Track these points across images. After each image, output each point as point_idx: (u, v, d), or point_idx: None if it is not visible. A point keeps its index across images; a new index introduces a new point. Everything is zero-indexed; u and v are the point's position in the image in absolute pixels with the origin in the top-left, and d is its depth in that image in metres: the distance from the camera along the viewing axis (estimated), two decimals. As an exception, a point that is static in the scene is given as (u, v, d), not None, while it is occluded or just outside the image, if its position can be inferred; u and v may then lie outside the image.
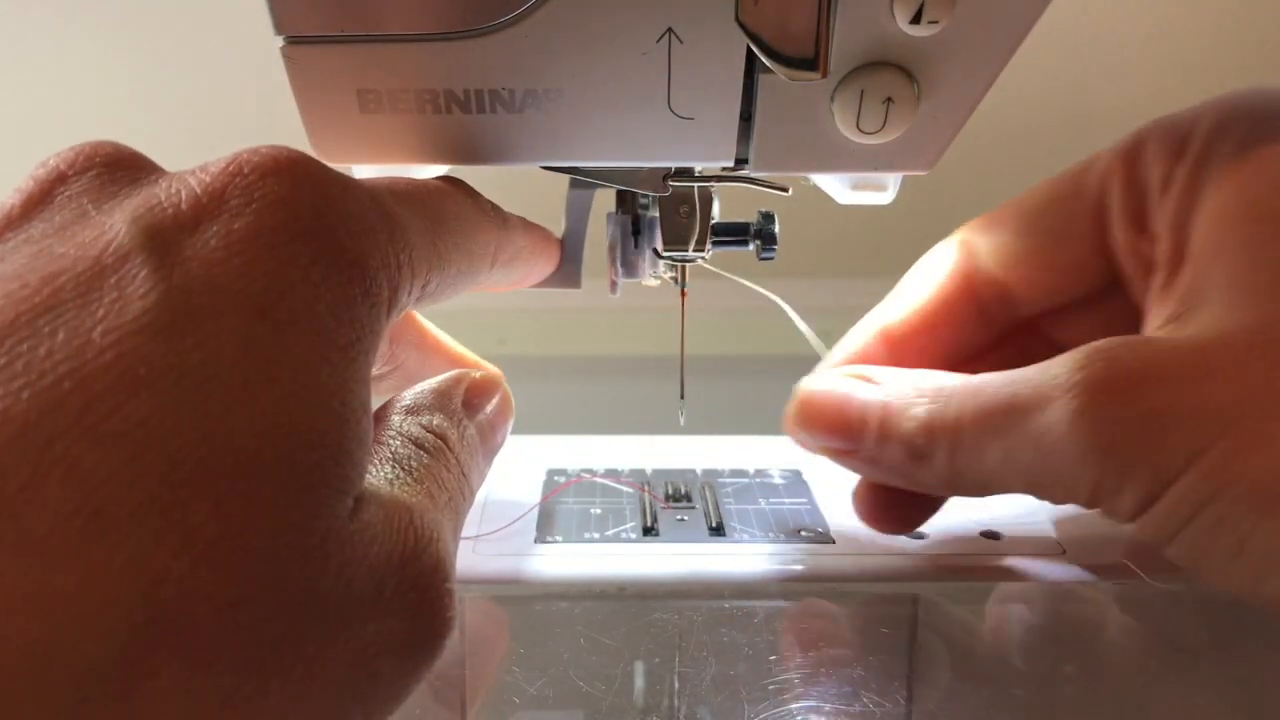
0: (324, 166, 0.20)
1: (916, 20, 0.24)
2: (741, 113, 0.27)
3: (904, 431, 0.27)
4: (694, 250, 0.33)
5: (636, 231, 0.33)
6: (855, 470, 0.31)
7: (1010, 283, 0.31)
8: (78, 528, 0.15)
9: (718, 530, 0.34)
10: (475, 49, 0.25)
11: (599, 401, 0.52)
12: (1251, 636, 0.29)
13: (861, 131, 0.26)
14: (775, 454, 0.41)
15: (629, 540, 0.34)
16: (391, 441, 0.23)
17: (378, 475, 0.22)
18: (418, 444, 0.23)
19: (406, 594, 0.19)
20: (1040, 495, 0.27)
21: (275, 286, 0.18)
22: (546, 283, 0.32)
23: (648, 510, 0.36)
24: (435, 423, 0.25)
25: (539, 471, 0.39)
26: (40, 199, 0.19)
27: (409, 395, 0.25)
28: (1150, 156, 0.28)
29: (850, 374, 0.30)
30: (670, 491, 0.37)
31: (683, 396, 0.36)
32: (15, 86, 0.70)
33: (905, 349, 0.32)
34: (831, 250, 0.69)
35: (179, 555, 0.15)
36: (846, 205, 0.32)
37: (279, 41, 0.25)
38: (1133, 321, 0.29)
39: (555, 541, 0.34)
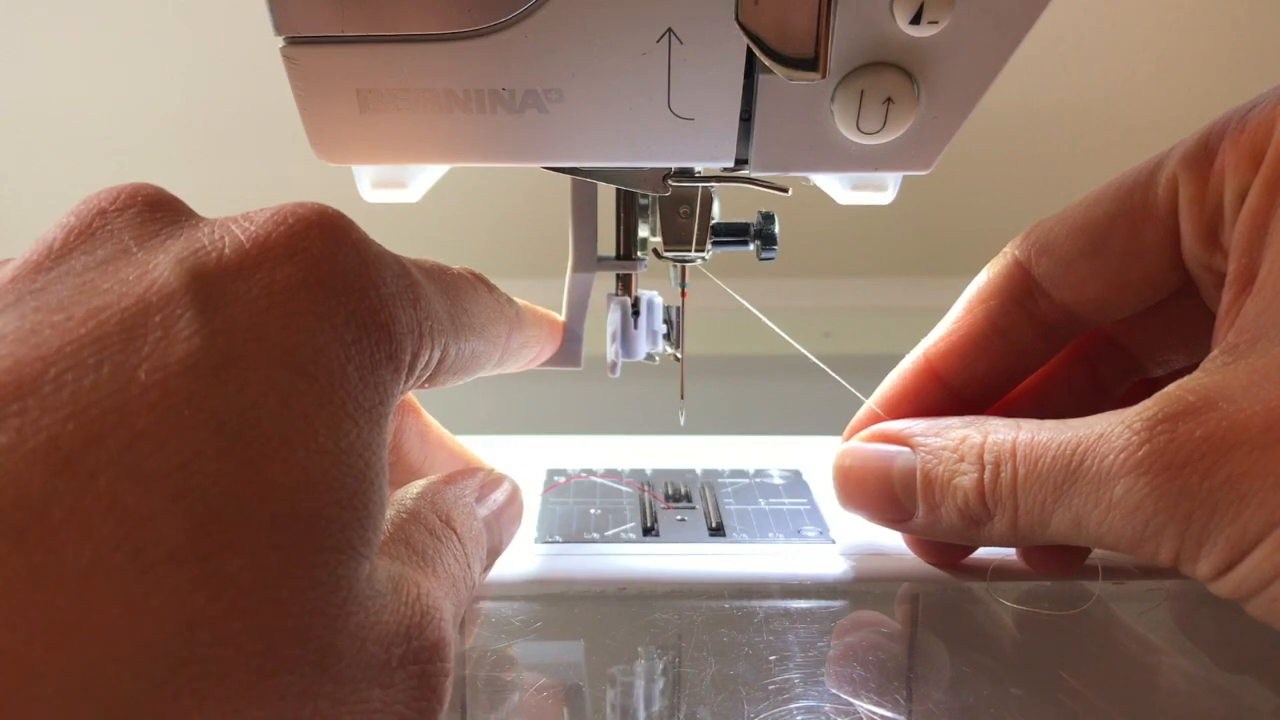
0: (360, 230, 0.21)
1: (916, 21, 0.24)
2: (741, 113, 0.27)
3: (957, 501, 0.26)
4: (694, 250, 0.33)
5: (635, 313, 0.34)
6: (918, 535, 0.30)
7: (1076, 304, 0.29)
8: (118, 564, 0.15)
9: (718, 530, 0.34)
10: (475, 49, 0.25)
11: (599, 401, 0.52)
12: (1253, 633, 0.29)
13: (861, 132, 0.26)
14: (775, 454, 0.41)
15: (629, 540, 0.34)
16: (404, 522, 0.24)
17: (389, 549, 0.22)
18: (429, 528, 0.24)
19: (409, 665, 0.19)
20: (1113, 551, 0.26)
21: (312, 343, 0.18)
22: (549, 362, 0.33)
23: (648, 510, 0.36)
24: (446, 511, 0.25)
25: (539, 471, 0.39)
26: (81, 233, 0.19)
27: (423, 482, 0.26)
28: (1223, 167, 0.25)
29: (879, 436, 0.29)
30: (670, 491, 0.37)
31: (683, 396, 0.36)
32: (14, 85, 0.70)
33: (958, 377, 0.30)
34: (831, 250, 0.69)
35: (214, 601, 0.15)
36: (846, 205, 0.32)
37: (279, 42, 0.25)
38: (1203, 323, 0.27)
39: (555, 541, 0.34)
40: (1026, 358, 0.30)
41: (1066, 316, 0.29)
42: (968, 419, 0.28)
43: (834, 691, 0.27)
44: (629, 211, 0.33)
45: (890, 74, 0.25)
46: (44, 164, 0.66)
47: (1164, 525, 0.22)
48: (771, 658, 0.28)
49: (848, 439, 0.31)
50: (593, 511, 0.36)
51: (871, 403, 0.31)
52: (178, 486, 0.16)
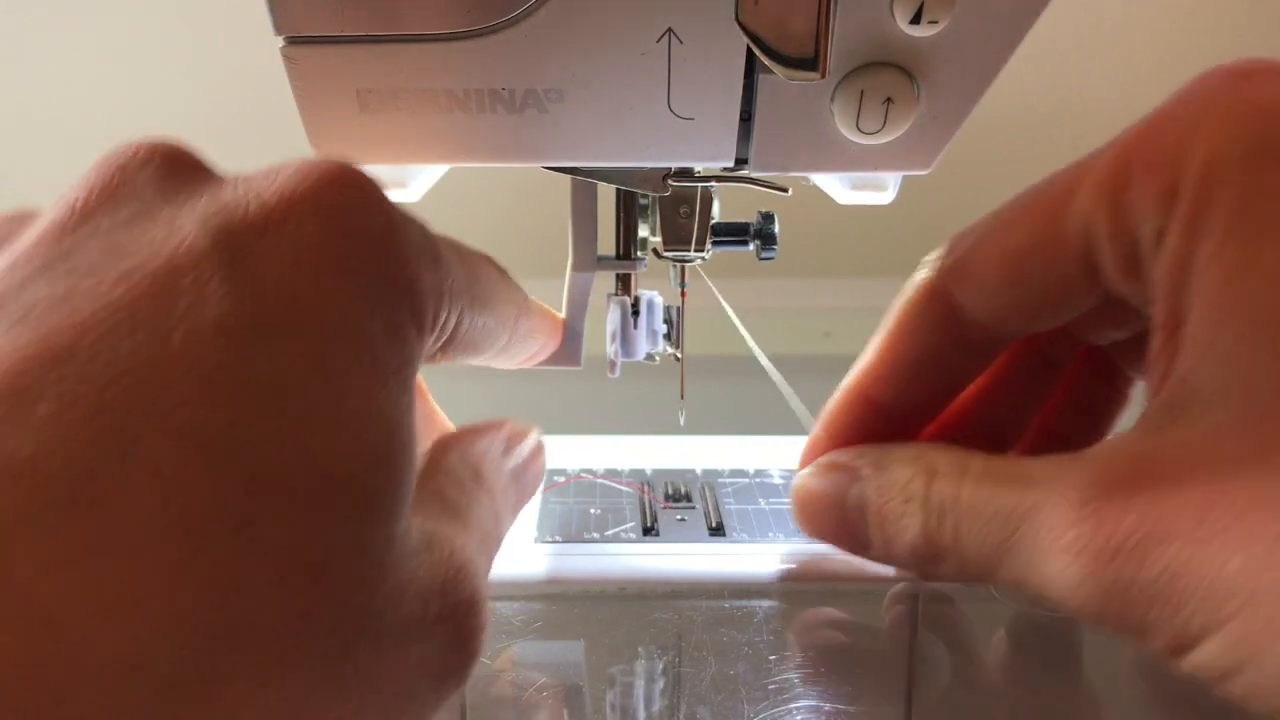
0: (381, 189, 0.20)
1: (916, 20, 0.24)
2: (741, 113, 0.27)
3: (905, 541, 0.26)
4: (694, 250, 0.33)
5: (635, 313, 0.34)
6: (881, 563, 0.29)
7: (1002, 326, 0.27)
8: (161, 531, 0.15)
9: (718, 530, 0.34)
10: (475, 49, 0.25)
11: (599, 401, 0.52)
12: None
13: (861, 131, 0.26)
14: (775, 454, 0.41)
15: (629, 540, 0.34)
16: (435, 477, 0.23)
17: (421, 506, 0.22)
18: (460, 483, 0.24)
19: (445, 621, 0.19)
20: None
21: (339, 303, 0.18)
22: (548, 361, 0.33)
23: (647, 510, 0.36)
24: (476, 465, 0.25)
25: (539, 471, 0.39)
26: (104, 190, 0.19)
27: (451, 436, 0.26)
28: (1137, 202, 0.23)
29: (829, 467, 0.28)
30: (670, 491, 0.37)
31: (683, 396, 0.36)
32: (14, 85, 0.70)
33: (894, 402, 0.29)
34: (831, 250, 0.69)
35: (256, 567, 0.16)
36: (846, 205, 0.32)
37: (279, 41, 0.25)
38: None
39: (555, 541, 0.34)
40: (959, 375, 0.29)
41: (993, 335, 0.28)
42: (914, 452, 0.27)
43: (834, 691, 0.27)
44: (629, 211, 0.34)
45: (890, 74, 0.25)
46: (44, 164, 0.66)
47: (1102, 608, 0.21)
48: (771, 658, 0.28)
49: (802, 468, 0.30)
50: (592, 511, 0.36)
51: (817, 428, 0.30)
52: (216, 454, 0.16)
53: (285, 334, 0.17)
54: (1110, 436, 0.23)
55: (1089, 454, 0.22)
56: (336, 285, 0.18)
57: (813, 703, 0.27)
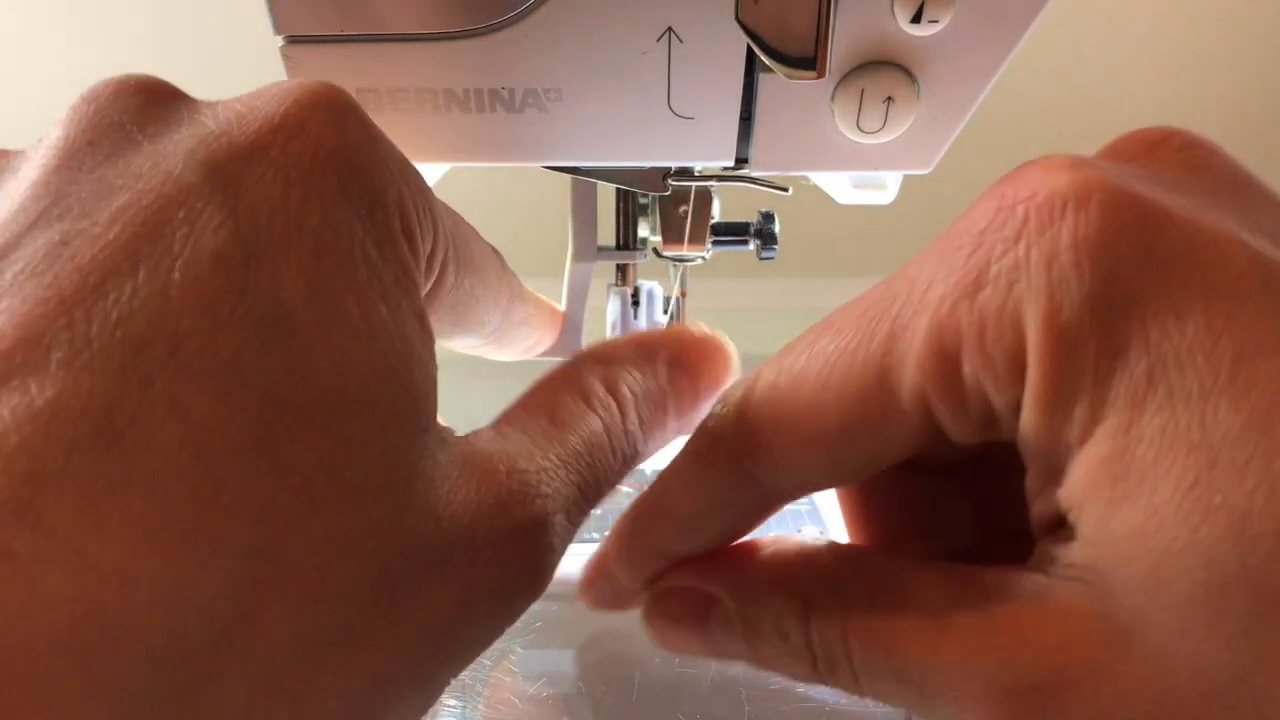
0: (359, 106, 0.20)
1: (917, 20, 0.24)
2: (741, 112, 0.27)
3: (792, 672, 0.21)
4: (694, 250, 0.33)
5: (635, 303, 0.34)
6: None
7: (811, 489, 0.22)
8: (184, 464, 0.15)
9: (718, 530, 0.34)
10: (475, 49, 0.25)
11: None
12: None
13: (862, 131, 0.26)
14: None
15: (629, 540, 0.34)
16: (557, 386, 0.22)
17: (518, 419, 0.21)
18: (583, 393, 0.22)
19: (500, 543, 0.19)
20: None
21: (330, 221, 0.18)
22: (547, 353, 0.33)
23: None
24: (614, 375, 0.23)
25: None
26: (84, 127, 0.19)
27: (601, 342, 0.24)
28: (979, 382, 0.18)
29: (677, 592, 0.23)
30: (670, 491, 0.37)
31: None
32: (15, 85, 0.70)
33: (680, 548, 0.23)
34: (831, 250, 0.69)
35: (280, 491, 0.16)
36: (846, 205, 0.32)
37: (279, 41, 0.25)
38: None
39: (555, 542, 0.34)
40: (749, 520, 0.23)
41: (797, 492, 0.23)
42: (774, 570, 0.22)
43: (834, 691, 0.27)
44: (629, 208, 0.34)
45: (891, 73, 0.25)
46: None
47: None
48: (772, 658, 0.28)
49: (590, 584, 0.25)
50: (593, 511, 0.36)
51: (607, 549, 0.25)
52: (229, 383, 0.16)
53: (281, 258, 0.17)
54: (1012, 580, 0.19)
55: (994, 615, 0.18)
56: (326, 202, 0.18)
57: (813, 703, 0.27)
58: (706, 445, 0.23)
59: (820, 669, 0.20)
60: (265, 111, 0.19)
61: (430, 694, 0.19)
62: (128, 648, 0.14)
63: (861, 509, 0.25)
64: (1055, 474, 0.18)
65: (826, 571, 0.21)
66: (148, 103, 0.19)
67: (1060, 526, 0.18)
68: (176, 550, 0.14)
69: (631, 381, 0.23)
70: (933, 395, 0.19)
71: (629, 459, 0.23)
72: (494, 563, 0.19)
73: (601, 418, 0.23)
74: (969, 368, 0.18)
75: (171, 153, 0.18)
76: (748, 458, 0.21)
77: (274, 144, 0.18)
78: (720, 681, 0.27)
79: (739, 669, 0.28)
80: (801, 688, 0.27)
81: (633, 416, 0.23)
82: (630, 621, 0.30)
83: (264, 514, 0.15)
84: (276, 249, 0.17)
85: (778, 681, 0.27)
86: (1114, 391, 0.16)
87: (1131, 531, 0.16)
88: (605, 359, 0.23)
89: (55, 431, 0.14)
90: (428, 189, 0.21)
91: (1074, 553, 0.17)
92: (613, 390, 0.23)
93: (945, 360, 0.18)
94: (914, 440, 0.20)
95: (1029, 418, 0.18)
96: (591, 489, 0.22)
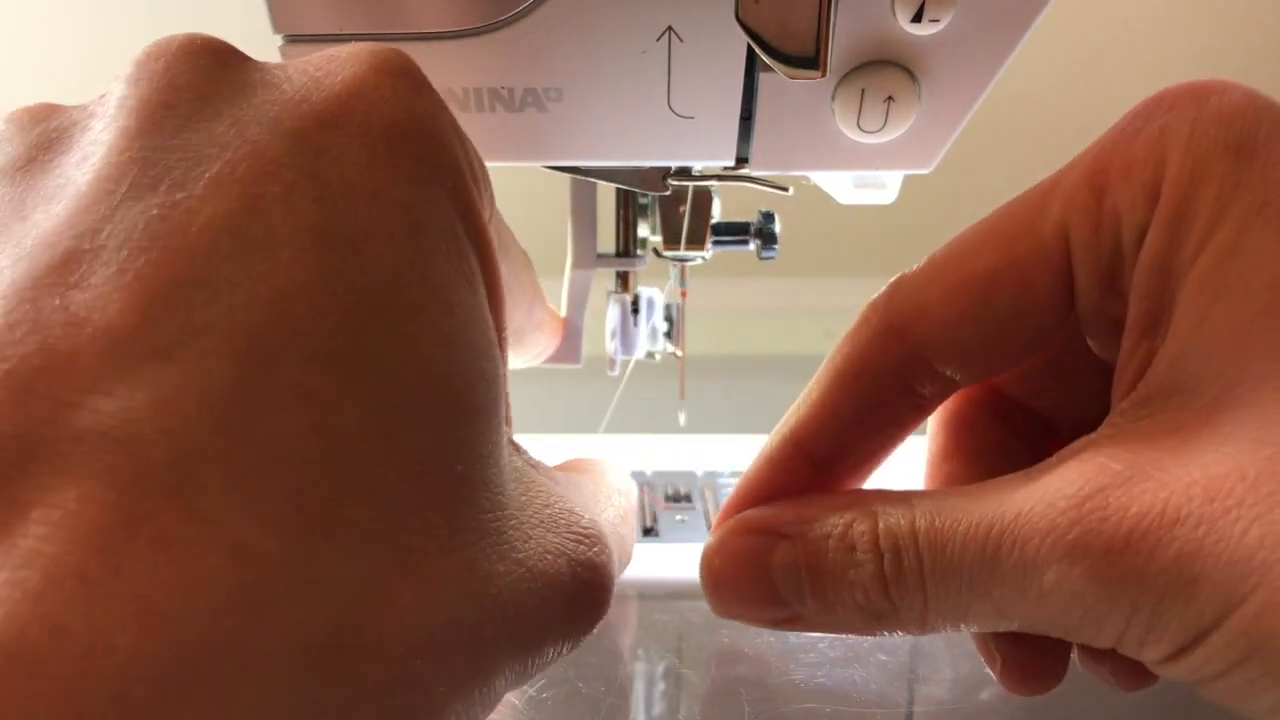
0: (421, 71, 0.20)
1: (918, 19, 0.24)
2: (742, 112, 0.27)
3: (855, 597, 0.22)
4: (694, 250, 0.33)
5: (635, 310, 0.34)
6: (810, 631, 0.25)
7: (957, 369, 0.25)
8: (317, 449, 0.15)
9: (718, 530, 0.34)
10: (474, 47, 0.25)
11: (599, 401, 0.52)
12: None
13: (862, 130, 0.26)
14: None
15: (629, 541, 0.34)
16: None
17: (547, 471, 0.22)
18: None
19: (569, 540, 0.19)
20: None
21: (422, 195, 0.18)
22: (550, 359, 0.33)
23: (648, 510, 0.36)
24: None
25: (539, 472, 0.39)
26: (158, 87, 0.18)
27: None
28: (1115, 206, 0.22)
29: (746, 528, 0.24)
30: (670, 492, 0.37)
31: (683, 396, 0.36)
32: (14, 85, 0.70)
33: (828, 455, 0.25)
34: (831, 250, 0.69)
35: (403, 479, 0.16)
36: (847, 205, 0.32)
37: (278, 40, 0.25)
38: (1097, 377, 0.24)
39: (555, 542, 0.34)
40: (900, 426, 0.26)
41: (945, 382, 0.25)
42: (847, 497, 0.23)
43: (835, 693, 0.27)
44: (629, 208, 0.33)
45: (891, 72, 0.25)
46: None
47: (1106, 614, 0.20)
48: (772, 658, 0.28)
49: (719, 527, 0.26)
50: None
51: (740, 485, 0.26)
52: (347, 367, 0.16)
53: (379, 235, 0.17)
54: (1076, 442, 0.21)
55: (1063, 458, 0.21)
56: (414, 179, 0.18)
57: (813, 703, 0.26)
58: (856, 332, 0.25)
59: (885, 568, 0.22)
60: (342, 75, 0.18)
61: (492, 707, 0.19)
62: (275, 632, 0.14)
63: (945, 455, 0.28)
64: (1158, 316, 0.21)
65: (894, 494, 0.23)
66: (215, 63, 0.19)
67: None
68: (311, 536, 0.15)
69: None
70: (1073, 224, 0.22)
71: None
72: (567, 572, 0.19)
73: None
74: (1109, 201, 0.22)
75: (254, 119, 0.17)
76: (901, 313, 0.24)
77: (355, 110, 0.18)
78: (720, 682, 0.27)
79: (739, 669, 0.28)
80: (802, 687, 0.27)
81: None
82: (630, 621, 0.30)
83: (391, 501, 0.16)
84: (373, 227, 0.17)
85: (778, 681, 0.27)
86: (1229, 213, 0.20)
87: (1224, 317, 0.20)
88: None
89: (187, 421, 0.14)
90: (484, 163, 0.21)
91: (1159, 366, 0.21)
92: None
93: (1091, 192, 0.22)
94: (1051, 299, 0.23)
95: (1153, 238, 0.21)
96: (625, 559, 0.23)
